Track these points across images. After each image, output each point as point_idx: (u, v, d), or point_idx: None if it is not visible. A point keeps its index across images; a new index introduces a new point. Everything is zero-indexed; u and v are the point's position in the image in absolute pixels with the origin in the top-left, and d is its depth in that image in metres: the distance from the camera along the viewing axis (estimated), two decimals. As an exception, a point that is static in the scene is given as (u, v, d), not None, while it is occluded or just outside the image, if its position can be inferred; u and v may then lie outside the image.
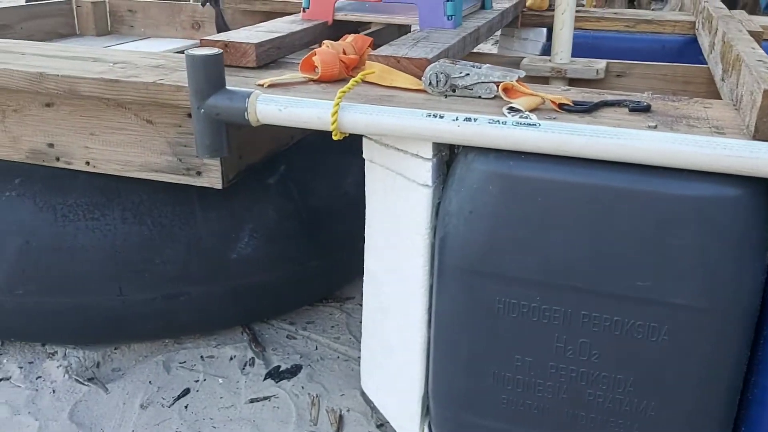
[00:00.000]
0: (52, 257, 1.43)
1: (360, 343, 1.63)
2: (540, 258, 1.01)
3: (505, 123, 0.99)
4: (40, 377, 1.54)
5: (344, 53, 1.30)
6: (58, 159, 1.47)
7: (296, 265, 1.61)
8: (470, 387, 1.13)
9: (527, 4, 2.23)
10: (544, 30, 2.19)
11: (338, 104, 1.05)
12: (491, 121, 0.99)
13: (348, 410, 1.46)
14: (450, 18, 1.53)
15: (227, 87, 1.14)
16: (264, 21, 2.41)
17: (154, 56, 1.43)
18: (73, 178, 1.47)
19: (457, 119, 1.01)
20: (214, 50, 1.11)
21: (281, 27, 1.52)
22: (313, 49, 1.53)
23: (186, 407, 1.46)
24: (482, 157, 1.03)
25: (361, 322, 1.74)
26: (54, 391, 1.50)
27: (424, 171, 1.09)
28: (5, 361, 1.59)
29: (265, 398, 1.49)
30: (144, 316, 1.52)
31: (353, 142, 1.22)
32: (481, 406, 1.13)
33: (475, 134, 1.00)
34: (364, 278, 1.32)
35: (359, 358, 1.59)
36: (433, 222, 1.12)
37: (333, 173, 1.69)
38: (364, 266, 1.31)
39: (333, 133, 1.07)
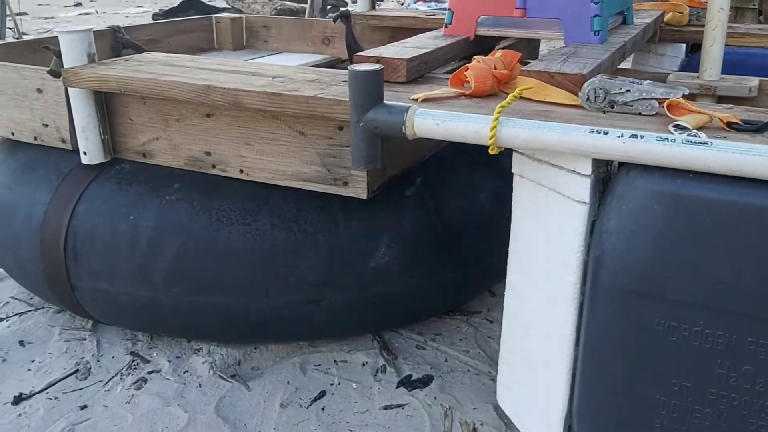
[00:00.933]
0: (206, 259, 1.51)
1: (490, 358, 1.63)
2: (706, 281, 0.98)
3: (674, 141, 0.97)
4: (187, 372, 1.62)
5: (495, 68, 1.31)
6: (214, 166, 1.55)
7: (429, 276, 1.63)
8: (621, 409, 1.11)
9: (666, 18, 2.18)
10: (683, 46, 2.13)
11: (497, 119, 1.06)
12: (659, 139, 0.98)
13: (482, 424, 1.46)
14: (597, 33, 1.52)
15: (385, 101, 1.17)
16: (392, 36, 2.48)
17: (308, 71, 1.49)
18: (226, 184, 1.55)
19: (622, 135, 1.00)
20: (375, 66, 1.15)
21: (427, 43, 1.55)
22: (457, 63, 1.56)
23: (323, 409, 1.51)
24: (646, 175, 1.01)
25: (489, 337, 1.75)
26: (200, 386, 1.58)
27: (582, 188, 1.08)
28: (155, 354, 1.69)
29: (398, 406, 1.51)
30: (286, 318, 1.58)
31: (490, 157, 1.22)
32: (631, 429, 1.11)
33: (642, 152, 0.99)
34: (505, 292, 1.32)
35: (489, 372, 1.60)
36: (588, 239, 1.11)
37: (468, 187, 1.70)
38: (507, 280, 1.31)
39: (490, 148, 1.09)
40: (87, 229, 1.57)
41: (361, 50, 2.61)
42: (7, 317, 1.86)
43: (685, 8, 2.14)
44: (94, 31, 2.00)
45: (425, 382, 1.58)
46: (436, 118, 1.12)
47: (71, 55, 1.54)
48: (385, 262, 1.55)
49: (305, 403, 1.53)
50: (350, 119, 1.19)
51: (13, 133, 1.78)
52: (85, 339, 1.74)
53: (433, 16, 2.45)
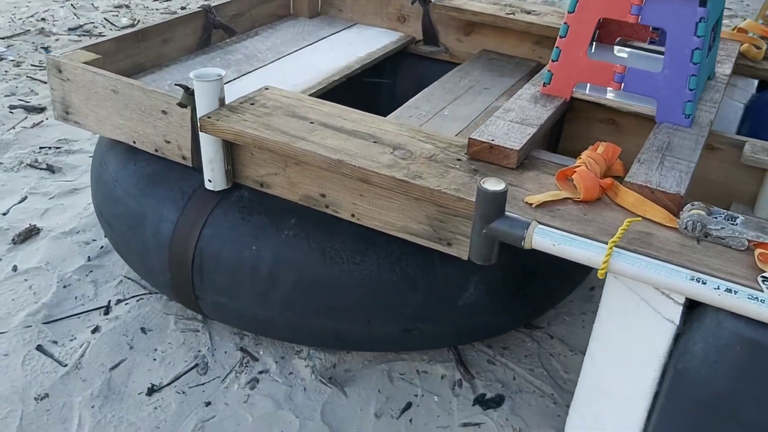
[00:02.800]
0: (319, 290, 1.73)
1: (552, 379, 1.89)
2: (771, 414, 1.21)
3: (763, 301, 1.17)
4: (292, 373, 1.89)
5: (599, 166, 1.47)
6: (327, 206, 1.74)
7: (507, 309, 1.86)
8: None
9: (741, 48, 2.27)
10: (755, 81, 2.24)
11: (610, 254, 1.25)
12: (750, 297, 1.17)
13: (546, 448, 1.73)
14: (687, 117, 1.66)
15: (506, 213, 1.35)
16: (469, 29, 2.56)
17: (421, 135, 1.64)
18: (338, 222, 1.75)
19: (718, 288, 1.19)
20: (501, 186, 1.32)
21: (530, 114, 1.68)
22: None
23: (410, 421, 1.78)
24: (735, 320, 1.21)
25: (550, 354, 1.99)
26: (305, 390, 1.84)
27: (673, 312, 1.29)
28: (261, 352, 1.95)
29: (475, 424, 1.78)
30: (383, 341, 1.83)
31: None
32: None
33: (734, 306, 1.18)
34: (586, 357, 1.55)
35: (552, 395, 1.85)
36: (671, 348, 1.33)
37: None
38: (588, 348, 1.54)
39: (598, 273, 1.28)
40: (213, 251, 1.78)
41: (437, 36, 2.72)
42: (125, 299, 2.10)
43: (762, 44, 2.22)
44: (180, 16, 2.15)
45: (498, 402, 1.84)
46: (553, 239, 1.31)
47: (204, 102, 1.69)
48: (472, 301, 1.77)
49: (395, 414, 1.80)
50: (473, 225, 1.37)
51: (134, 142, 1.95)
52: (198, 330, 2.00)
53: (512, 16, 2.53)
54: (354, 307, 1.75)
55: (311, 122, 1.68)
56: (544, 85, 1.79)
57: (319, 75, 2.34)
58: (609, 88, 1.76)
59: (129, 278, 2.19)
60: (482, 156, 1.56)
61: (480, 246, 1.38)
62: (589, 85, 1.80)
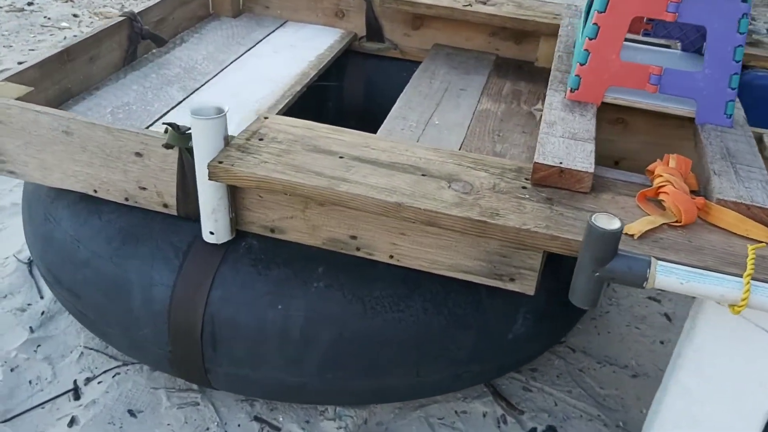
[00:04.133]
0: (361, 347, 1.51)
1: (592, 398, 1.79)
2: None
3: None
4: (323, 440, 1.65)
5: (679, 179, 1.36)
6: (358, 249, 1.51)
7: (550, 338, 1.73)
8: None
9: None
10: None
11: (748, 290, 1.14)
12: None
13: (615, 478, 1.63)
14: (729, 116, 1.59)
15: (619, 251, 1.20)
16: (417, 25, 2.38)
17: (471, 161, 1.45)
18: (372, 266, 1.52)
19: None
20: (616, 224, 1.17)
21: (578, 128, 1.53)
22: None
23: (468, 473, 1.61)
24: None
25: (579, 371, 1.90)
26: (344, 457, 1.62)
27: (801, 339, 1.21)
28: (281, 418, 1.69)
29: (537, 464, 1.65)
30: (432, 389, 1.64)
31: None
32: None
33: None
34: (670, 385, 1.45)
35: (599, 416, 1.76)
36: (789, 375, 1.25)
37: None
38: (675, 377, 1.44)
39: (733, 309, 1.17)
40: (227, 317, 1.50)
41: (382, 31, 2.51)
42: (95, 376, 1.75)
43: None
44: (105, 28, 1.81)
45: (550, 434, 1.71)
46: (679, 277, 1.18)
47: (207, 143, 1.39)
48: (521, 333, 1.63)
49: (449, 467, 1.62)
50: (582, 268, 1.21)
51: (95, 191, 1.60)
52: (198, 403, 1.70)
53: (470, 8, 2.37)
54: (401, 359, 1.54)
55: (340, 156, 1.44)
56: (571, 90, 1.65)
57: (277, 86, 2.07)
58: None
59: (90, 348, 1.83)
60: (550, 182, 1.39)
61: (589, 290, 1.23)
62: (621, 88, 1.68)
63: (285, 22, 2.60)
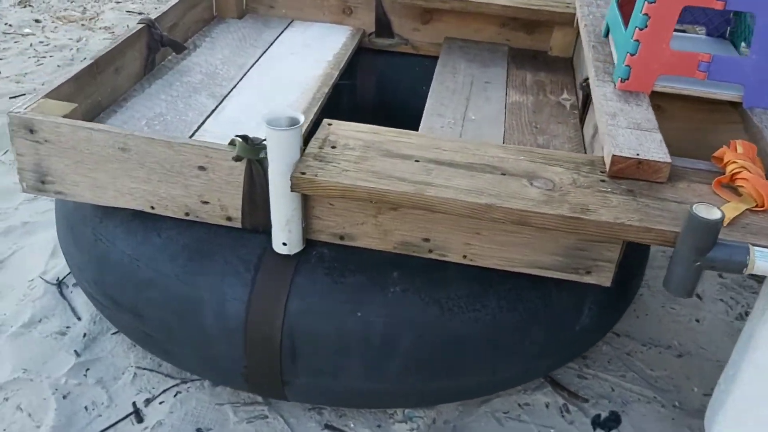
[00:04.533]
0: (441, 350, 1.51)
1: (646, 381, 1.84)
2: None
3: None
4: (398, 443, 1.65)
5: (752, 164, 1.39)
6: (430, 251, 1.51)
7: (609, 326, 1.77)
8: None
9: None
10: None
11: None
12: None
13: (685, 458, 1.68)
14: (777, 99, 1.64)
15: (719, 240, 1.23)
16: (427, 19, 2.38)
17: (544, 158, 1.46)
18: (444, 267, 1.53)
19: None
20: (716, 213, 1.19)
21: (639, 118, 1.54)
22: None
23: (544, 464, 1.64)
24: None
25: (627, 354, 1.94)
26: (423, 459, 1.62)
27: None
28: (352, 425, 1.68)
29: (609, 450, 1.68)
30: (503, 385, 1.65)
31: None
32: None
33: None
34: (742, 366, 1.50)
35: (655, 398, 1.80)
36: None
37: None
38: (749, 357, 1.48)
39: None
40: (307, 328, 1.48)
41: (391, 26, 2.50)
42: (155, 397, 1.71)
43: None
44: (127, 37, 1.77)
45: (615, 419, 1.75)
46: (777, 262, 1.21)
47: (284, 154, 1.37)
48: (586, 324, 1.65)
49: (525, 460, 1.64)
50: (680, 258, 1.24)
51: (153, 207, 1.56)
52: (266, 416, 1.68)
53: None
54: (479, 358, 1.55)
55: (416, 160, 1.43)
56: (621, 81, 1.67)
57: (304, 89, 2.05)
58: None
59: (143, 368, 1.78)
60: (628, 173, 1.41)
61: (687, 279, 1.25)
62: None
63: (291, 22, 2.56)
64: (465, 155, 1.46)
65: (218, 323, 1.50)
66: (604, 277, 1.48)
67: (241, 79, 2.09)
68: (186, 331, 1.53)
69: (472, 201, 1.31)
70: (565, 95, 2.14)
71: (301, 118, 1.36)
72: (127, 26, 3.98)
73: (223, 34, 2.39)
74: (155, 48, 2.06)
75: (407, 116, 2.52)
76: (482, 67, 2.30)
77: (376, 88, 2.53)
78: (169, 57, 2.16)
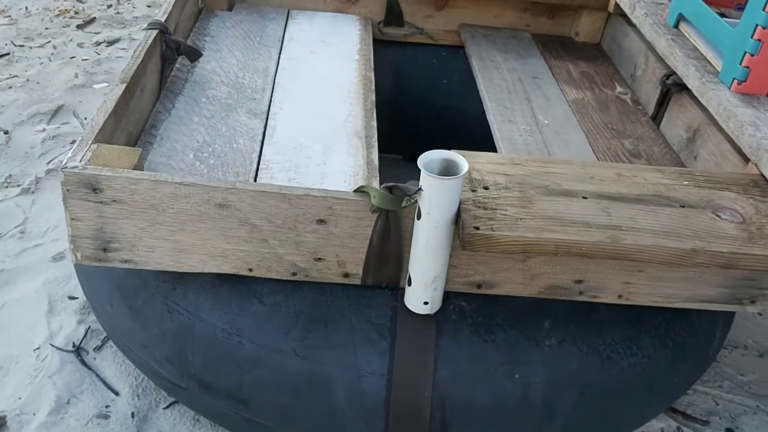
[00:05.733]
0: (601, 403, 1.35)
1: (743, 390, 1.78)
2: None
3: None
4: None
5: None
6: (581, 293, 1.34)
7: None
8: None
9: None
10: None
11: None
12: None
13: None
14: None
15: None
16: (441, 5, 2.19)
17: (710, 179, 1.31)
18: (592, 310, 1.36)
19: None
20: None
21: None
22: None
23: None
24: None
25: (715, 360, 1.87)
26: None
27: None
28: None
29: (740, 474, 1.60)
30: (640, 423, 1.52)
31: None
32: None
33: None
34: None
35: (758, 407, 1.75)
36: None
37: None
38: None
39: None
40: (460, 398, 1.27)
41: (402, 14, 2.26)
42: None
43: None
44: (147, 49, 1.50)
45: (734, 438, 1.67)
46: None
47: (442, 207, 1.14)
48: (716, 348, 1.55)
49: (666, 498, 1.53)
50: None
51: (251, 270, 1.29)
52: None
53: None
54: (633, 405, 1.40)
55: (584, 197, 1.24)
56: (738, 83, 1.55)
57: (350, 97, 1.82)
58: None
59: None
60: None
61: None
62: None
63: (289, 12, 2.26)
64: (628, 185, 1.28)
65: (353, 403, 1.26)
66: (767, 304, 1.36)
67: (273, 89, 1.80)
68: (309, 416, 1.28)
69: (676, 247, 1.14)
70: (619, 89, 2.01)
71: (465, 165, 1.13)
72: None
73: (222, 32, 2.06)
74: (171, 59, 1.72)
75: (429, 114, 2.31)
76: (520, 59, 2.12)
77: (392, 83, 2.29)
78: (177, 66, 1.82)
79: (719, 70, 1.61)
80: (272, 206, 1.20)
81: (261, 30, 2.11)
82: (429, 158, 1.14)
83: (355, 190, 1.21)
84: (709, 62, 1.66)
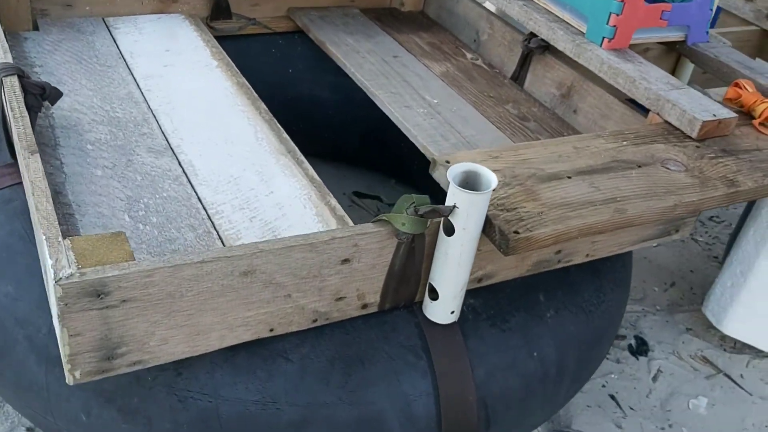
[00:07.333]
0: (592, 357, 1.50)
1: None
2: None
3: None
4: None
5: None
6: (559, 261, 1.47)
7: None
8: None
9: None
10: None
11: None
12: None
13: None
14: (707, 33, 1.89)
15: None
16: None
17: (636, 134, 1.48)
18: (566, 273, 1.50)
19: None
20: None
21: (666, 77, 1.64)
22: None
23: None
24: None
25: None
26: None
27: None
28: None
29: None
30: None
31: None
32: None
33: None
34: (757, 261, 1.78)
35: (643, 310, 2.06)
36: None
37: None
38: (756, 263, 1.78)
39: None
40: (497, 391, 1.32)
41: (229, 6, 2.14)
42: None
43: None
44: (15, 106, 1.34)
45: None
46: None
47: (476, 220, 1.16)
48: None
49: None
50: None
51: (272, 330, 1.20)
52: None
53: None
54: (605, 346, 1.58)
55: (568, 176, 1.33)
56: (608, 41, 1.73)
57: (241, 111, 1.71)
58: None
59: None
60: (709, 134, 1.52)
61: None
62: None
63: (105, 21, 2.00)
64: (589, 157, 1.40)
65: (407, 430, 1.25)
66: (687, 232, 1.60)
67: (156, 118, 1.61)
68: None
69: (662, 206, 1.29)
70: (469, 56, 2.12)
71: (493, 179, 1.14)
72: None
73: (47, 58, 1.77)
74: (37, 106, 1.44)
75: (281, 106, 2.23)
76: (370, 39, 2.14)
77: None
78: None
79: (583, 31, 1.78)
80: (298, 259, 1.11)
81: (89, 48, 1.84)
82: (453, 174, 1.13)
83: (374, 221, 1.16)
84: (569, 24, 1.82)
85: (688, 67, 2.19)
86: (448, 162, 1.30)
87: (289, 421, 1.18)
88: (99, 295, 0.97)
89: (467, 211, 1.12)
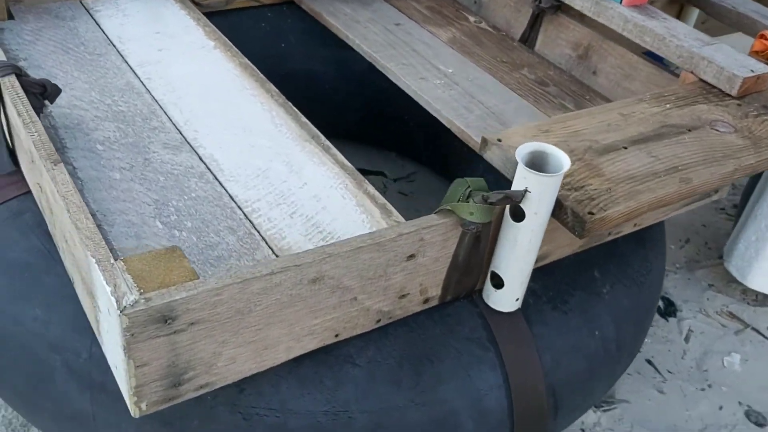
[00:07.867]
0: (642, 325, 1.47)
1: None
2: None
3: None
4: None
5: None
6: (609, 233, 1.42)
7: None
8: None
9: None
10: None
11: None
12: None
13: None
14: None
15: None
16: None
17: (678, 96, 1.42)
18: (615, 246, 1.45)
19: None
20: None
21: (696, 33, 1.58)
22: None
23: None
24: None
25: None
26: None
27: None
28: None
29: None
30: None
31: None
32: None
33: None
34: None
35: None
36: None
37: None
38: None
39: None
40: (565, 376, 1.28)
41: None
42: None
43: None
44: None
45: None
46: None
47: (548, 203, 1.09)
48: (664, 235, 1.75)
49: None
50: None
51: (337, 335, 1.12)
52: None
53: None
54: (651, 315, 1.55)
55: (624, 147, 1.27)
56: (626, -2, 1.67)
57: (250, 95, 1.60)
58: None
59: None
60: (748, 91, 1.47)
61: None
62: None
63: (83, 3, 1.85)
64: (639, 124, 1.34)
65: (480, 426, 1.19)
66: (726, 192, 1.56)
67: (164, 110, 1.49)
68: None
69: (723, 171, 1.24)
70: (472, 19, 2.03)
71: (565, 159, 1.07)
72: None
73: (31, 49, 1.62)
74: (40, 106, 1.31)
75: (274, 83, 2.12)
76: (366, 6, 2.03)
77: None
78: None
79: (598, -12, 1.70)
80: (366, 260, 1.03)
81: (73, 35, 1.69)
82: (522, 154, 1.06)
83: (437, 211, 1.09)
84: (577, -19, 1.74)
85: (692, 18, 2.14)
86: (500, 140, 1.22)
87: (362, 428, 1.11)
88: (166, 321, 0.88)
89: (539, 194, 1.05)
